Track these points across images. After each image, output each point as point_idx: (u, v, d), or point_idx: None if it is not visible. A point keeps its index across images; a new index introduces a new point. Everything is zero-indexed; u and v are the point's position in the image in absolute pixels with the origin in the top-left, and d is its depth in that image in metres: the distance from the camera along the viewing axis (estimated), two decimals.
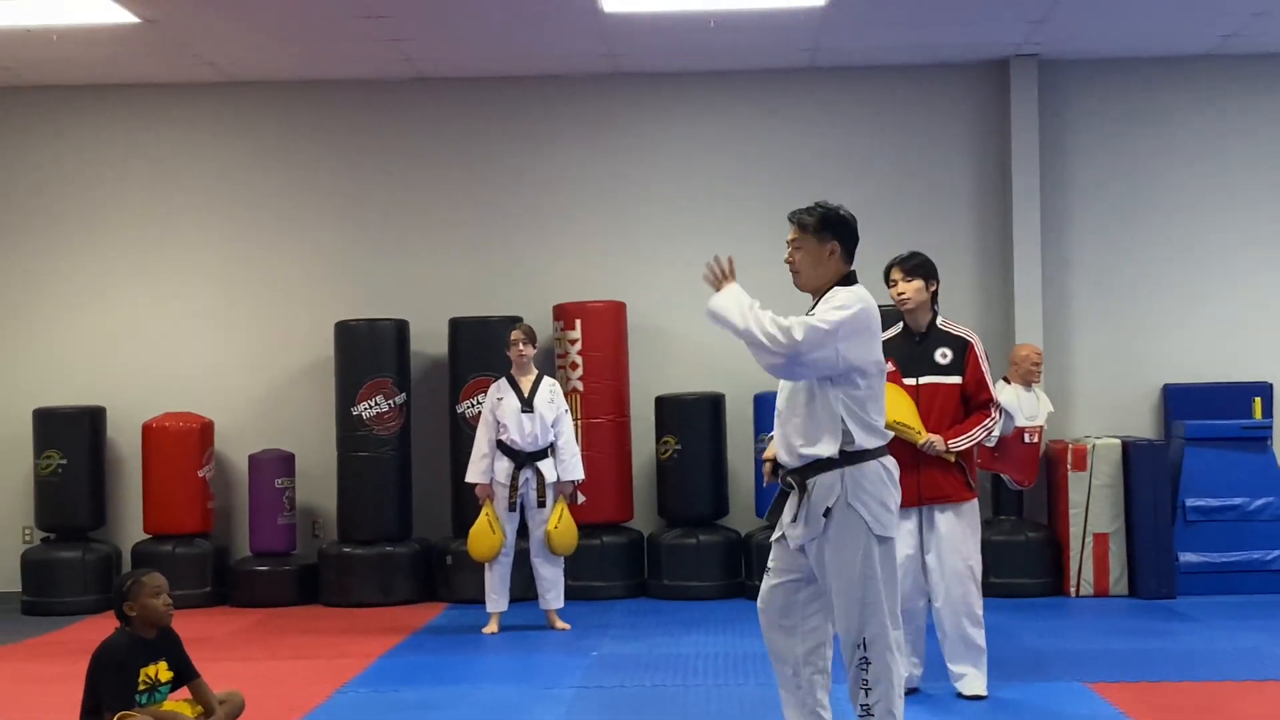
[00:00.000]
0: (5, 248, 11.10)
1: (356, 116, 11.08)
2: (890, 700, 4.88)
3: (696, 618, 9.21)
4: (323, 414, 10.59)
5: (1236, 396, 10.33)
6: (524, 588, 9.25)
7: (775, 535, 5.08)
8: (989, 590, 9.79)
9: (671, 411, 10.41)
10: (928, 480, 6.48)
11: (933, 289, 6.63)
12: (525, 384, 8.82)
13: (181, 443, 10.38)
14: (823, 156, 10.88)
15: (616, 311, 10.52)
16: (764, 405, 10.23)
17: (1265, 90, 10.76)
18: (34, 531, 10.68)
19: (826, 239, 4.99)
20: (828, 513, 4.83)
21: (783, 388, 5.03)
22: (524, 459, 8.66)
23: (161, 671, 5.89)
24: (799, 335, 4.77)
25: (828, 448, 4.85)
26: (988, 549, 9.84)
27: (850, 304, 4.88)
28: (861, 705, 4.89)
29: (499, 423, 8.72)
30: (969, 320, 10.47)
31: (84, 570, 10.22)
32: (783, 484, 4.99)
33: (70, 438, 10.44)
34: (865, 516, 4.83)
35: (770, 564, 5.11)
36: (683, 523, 10.31)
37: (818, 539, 4.87)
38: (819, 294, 4.99)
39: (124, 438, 10.82)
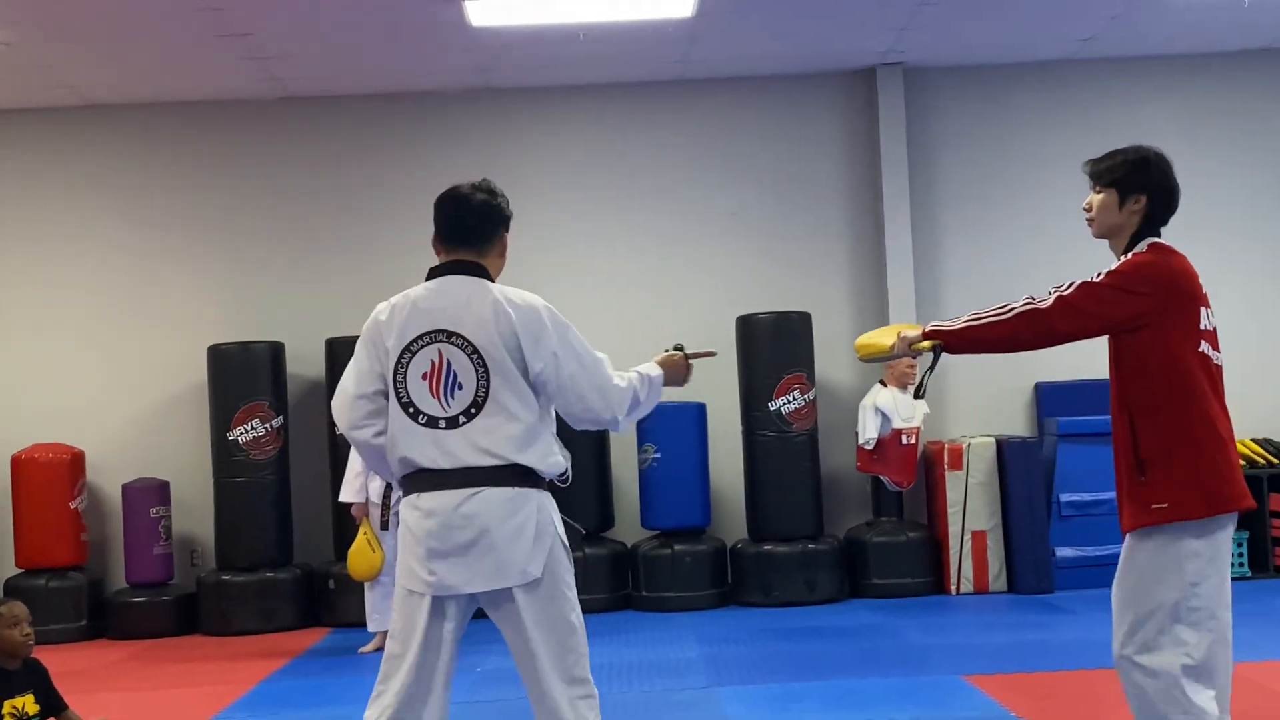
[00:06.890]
0: None
1: (224, 137, 10.92)
2: None
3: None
4: (198, 441, 10.42)
5: (1107, 392, 10.48)
6: None
7: None
8: (870, 591, 9.95)
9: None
10: None
11: None
12: None
13: (51, 474, 10.16)
14: (698, 165, 10.93)
15: None
16: None
17: (1122, 92, 10.98)
18: None
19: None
20: None
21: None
22: None
23: (29, 704, 5.75)
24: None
25: None
26: (868, 550, 10.01)
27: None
28: None
29: None
30: (845, 324, 10.62)
31: None
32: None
33: None
34: None
35: None
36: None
37: None
38: None
39: None
